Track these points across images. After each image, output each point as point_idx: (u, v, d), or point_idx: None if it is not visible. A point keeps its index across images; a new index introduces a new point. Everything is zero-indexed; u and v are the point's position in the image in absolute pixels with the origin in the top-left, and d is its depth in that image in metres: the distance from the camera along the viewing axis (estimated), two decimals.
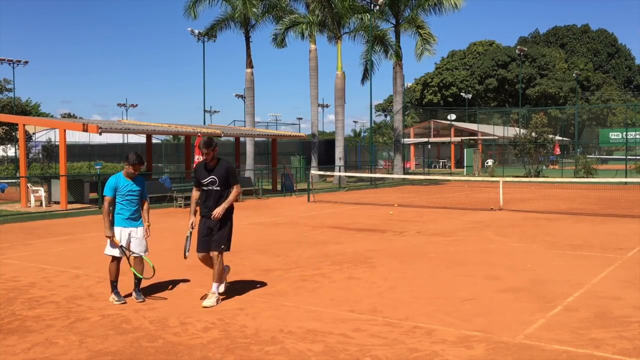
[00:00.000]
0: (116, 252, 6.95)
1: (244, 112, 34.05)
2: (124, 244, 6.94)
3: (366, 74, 34.29)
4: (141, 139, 45.32)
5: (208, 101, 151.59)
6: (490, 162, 44.16)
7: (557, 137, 44.14)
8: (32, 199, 19.20)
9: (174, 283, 7.91)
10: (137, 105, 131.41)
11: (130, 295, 7.09)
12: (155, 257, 10.13)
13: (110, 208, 6.95)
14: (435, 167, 56.46)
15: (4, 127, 40.03)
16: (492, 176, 33.16)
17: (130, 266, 7.01)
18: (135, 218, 7.04)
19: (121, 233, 6.95)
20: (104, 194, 6.95)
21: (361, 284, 7.86)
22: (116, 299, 6.92)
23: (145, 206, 7.16)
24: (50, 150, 42.63)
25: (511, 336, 5.57)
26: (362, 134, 76.64)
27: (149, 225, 7.15)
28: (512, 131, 43.51)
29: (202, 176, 6.95)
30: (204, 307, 6.57)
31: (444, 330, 5.79)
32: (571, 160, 43.85)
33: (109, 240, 6.92)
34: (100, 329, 5.88)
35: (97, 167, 33.55)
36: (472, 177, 36.70)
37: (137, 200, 7.05)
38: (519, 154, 37.69)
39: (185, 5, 32.60)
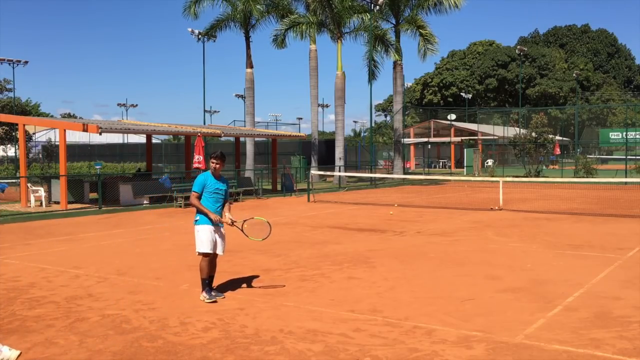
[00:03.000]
0: (209, 248, 6.96)
1: (244, 112, 34.06)
2: (218, 241, 7.04)
3: (372, 75, 34.25)
4: (141, 139, 45.34)
5: (208, 101, 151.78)
6: (490, 162, 44.16)
7: (557, 137, 44.12)
8: (32, 199, 19.20)
9: (174, 283, 7.91)
10: (137, 105, 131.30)
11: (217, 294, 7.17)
12: (156, 257, 10.15)
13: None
14: (435, 167, 56.46)
15: (4, 127, 40.05)
16: (492, 176, 33.16)
17: (247, 236, 7.40)
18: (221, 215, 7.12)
19: (213, 231, 7.02)
20: (192, 190, 7.09)
21: (361, 284, 7.86)
22: (207, 297, 6.94)
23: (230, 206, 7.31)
24: (50, 150, 42.67)
25: (511, 336, 5.57)
26: (362, 134, 76.64)
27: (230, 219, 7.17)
28: (512, 131, 43.50)
29: None
30: None
31: (444, 330, 5.79)
32: (571, 160, 43.85)
33: (202, 238, 6.95)
34: (100, 329, 5.88)
35: (97, 167, 33.57)
36: (472, 177, 36.70)
37: (223, 199, 7.13)
38: (519, 154, 37.69)
39: (185, 4, 32.65)
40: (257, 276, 8.38)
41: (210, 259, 7.04)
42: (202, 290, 7.01)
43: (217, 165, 7.07)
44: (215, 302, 6.88)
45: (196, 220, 7.03)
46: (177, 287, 7.59)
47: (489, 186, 26.48)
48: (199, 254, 7.03)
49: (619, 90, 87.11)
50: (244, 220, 7.34)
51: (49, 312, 6.57)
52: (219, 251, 7.12)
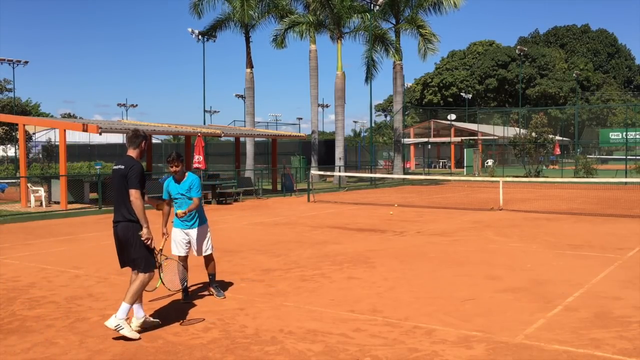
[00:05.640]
0: (182, 252, 6.98)
1: (244, 112, 34.07)
2: (183, 245, 6.99)
3: (369, 74, 34.29)
4: None
5: (208, 101, 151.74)
6: (490, 162, 44.15)
7: (557, 137, 44.12)
8: (32, 199, 19.19)
9: None
10: (137, 105, 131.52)
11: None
12: None
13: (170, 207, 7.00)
14: (435, 167, 56.45)
15: (4, 127, 40.07)
16: (492, 176, 33.15)
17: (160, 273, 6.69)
18: (187, 220, 6.95)
19: (179, 234, 7.00)
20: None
21: (361, 284, 7.86)
22: (182, 297, 6.97)
23: (193, 205, 6.80)
24: (50, 150, 42.67)
25: (511, 336, 5.57)
26: (362, 134, 76.68)
27: (184, 213, 6.75)
28: (512, 131, 43.49)
29: None
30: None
31: (444, 330, 5.79)
32: (571, 160, 43.83)
33: (172, 241, 6.97)
34: (100, 329, 5.87)
35: (97, 167, 33.54)
36: (472, 177, 36.69)
37: (185, 201, 6.87)
38: (519, 154, 37.68)
39: (191, 3, 32.71)
40: (257, 276, 8.38)
41: (181, 259, 6.99)
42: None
43: (175, 169, 6.78)
44: (188, 302, 6.87)
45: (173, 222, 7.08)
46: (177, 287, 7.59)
47: (489, 186, 26.47)
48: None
49: (619, 90, 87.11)
50: (164, 257, 6.46)
51: (49, 312, 6.57)
52: (197, 253, 7.06)
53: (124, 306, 5.61)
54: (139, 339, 5.56)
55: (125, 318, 5.58)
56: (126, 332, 5.54)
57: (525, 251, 10.27)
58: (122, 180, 5.75)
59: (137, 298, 5.77)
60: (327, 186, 29.09)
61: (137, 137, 6.00)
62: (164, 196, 6.96)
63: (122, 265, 6.03)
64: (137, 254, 5.77)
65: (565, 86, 78.63)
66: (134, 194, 5.68)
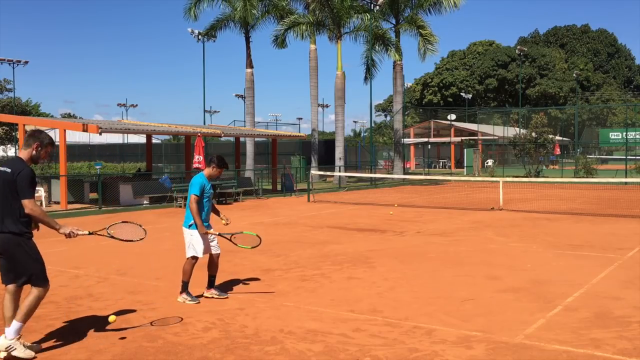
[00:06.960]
0: (200, 253, 6.91)
1: (244, 112, 34.08)
2: (204, 244, 6.92)
3: (368, 73, 34.32)
4: (141, 139, 45.33)
5: (208, 101, 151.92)
6: (490, 162, 44.14)
7: (557, 137, 44.09)
8: None
9: (174, 283, 7.90)
10: (137, 105, 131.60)
11: (201, 295, 7.12)
12: (156, 257, 10.16)
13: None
14: (435, 167, 56.45)
15: (4, 127, 40.14)
16: (492, 176, 33.14)
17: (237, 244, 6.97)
18: (209, 218, 7.08)
19: (205, 236, 6.95)
20: (191, 193, 6.84)
21: (361, 284, 7.86)
22: (189, 299, 6.91)
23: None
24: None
25: (511, 336, 5.57)
26: (362, 134, 76.62)
27: (227, 218, 7.14)
28: (512, 131, 43.47)
29: None
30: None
31: (444, 330, 5.79)
32: (571, 160, 43.83)
33: (196, 242, 6.88)
34: (101, 329, 5.88)
35: (97, 167, 33.57)
36: (472, 177, 36.68)
37: (211, 200, 7.12)
38: (519, 154, 37.67)
39: (185, 6, 32.69)
40: (257, 276, 8.38)
41: (196, 262, 7.01)
42: (182, 292, 6.98)
43: (218, 174, 7.10)
44: (198, 302, 6.86)
45: (190, 225, 6.92)
46: (177, 287, 7.57)
47: (489, 186, 26.47)
48: (191, 257, 6.97)
49: (619, 90, 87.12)
50: (232, 234, 6.96)
51: (49, 312, 6.57)
52: (214, 251, 7.06)
53: (16, 325, 4.99)
54: (35, 358, 5.06)
55: (18, 337, 5.01)
56: (19, 352, 4.97)
57: (525, 251, 10.27)
58: (8, 187, 4.96)
59: (31, 315, 5.12)
60: (327, 186, 29.09)
61: (32, 137, 5.17)
62: (196, 192, 6.83)
63: (7, 282, 5.12)
64: (29, 268, 5.04)
65: (565, 86, 78.62)
66: (30, 204, 4.98)
